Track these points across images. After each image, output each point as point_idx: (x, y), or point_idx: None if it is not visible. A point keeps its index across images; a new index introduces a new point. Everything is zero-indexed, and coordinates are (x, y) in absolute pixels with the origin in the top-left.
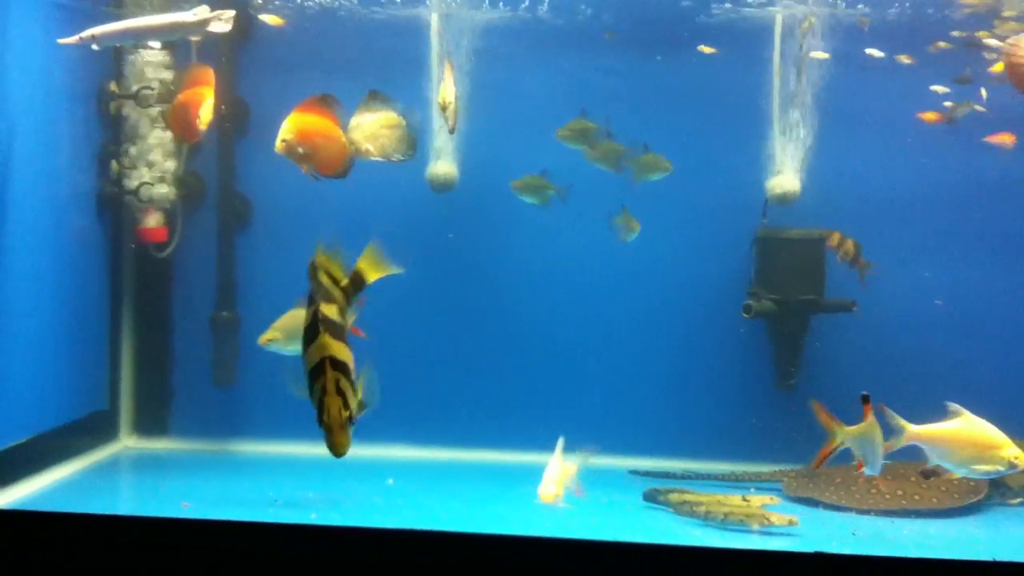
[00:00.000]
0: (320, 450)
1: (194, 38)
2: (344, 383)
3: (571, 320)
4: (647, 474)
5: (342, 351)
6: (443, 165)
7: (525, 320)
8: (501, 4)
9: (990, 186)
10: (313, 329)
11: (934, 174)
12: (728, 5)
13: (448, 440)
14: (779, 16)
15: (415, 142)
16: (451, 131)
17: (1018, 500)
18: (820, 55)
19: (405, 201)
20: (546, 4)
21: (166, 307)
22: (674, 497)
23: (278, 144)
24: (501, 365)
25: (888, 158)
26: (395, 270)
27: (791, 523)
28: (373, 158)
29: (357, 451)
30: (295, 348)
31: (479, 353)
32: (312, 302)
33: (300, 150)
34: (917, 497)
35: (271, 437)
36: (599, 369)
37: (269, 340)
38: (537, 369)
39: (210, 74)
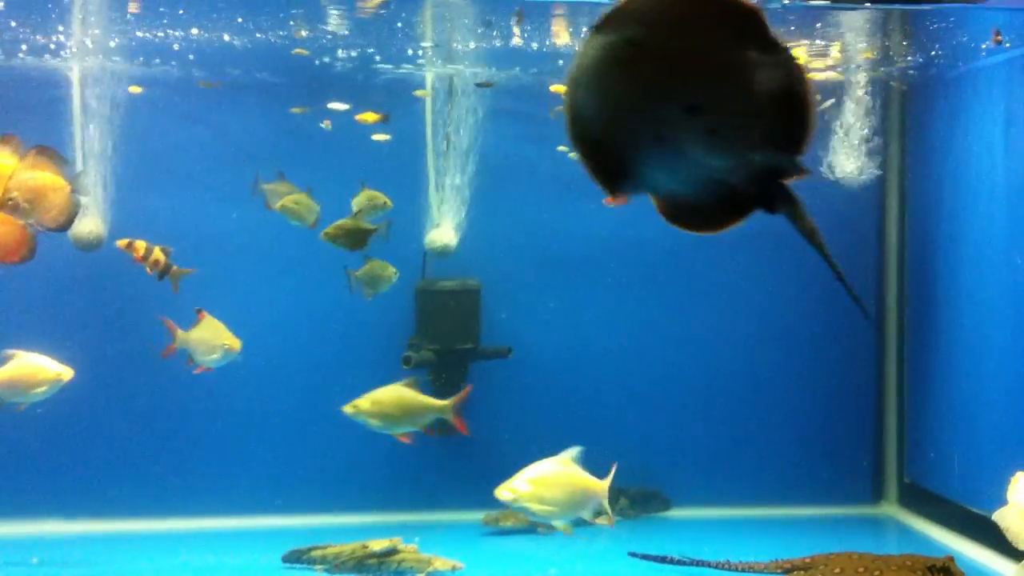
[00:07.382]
0: None
1: None
2: None
3: (235, 377)
4: (646, 557)
5: None
6: (88, 222)
7: (182, 381)
8: (157, 60)
9: (628, 242)
10: None
11: (582, 229)
12: (389, 65)
13: (102, 511)
14: (429, 75)
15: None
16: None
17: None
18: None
19: (47, 261)
20: (195, 60)
21: None
22: (330, 552)
23: None
24: (158, 429)
25: (540, 213)
26: None
27: (455, 568)
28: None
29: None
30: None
31: (133, 418)
32: None
33: None
34: None
35: None
36: (264, 427)
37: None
38: (196, 429)
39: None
